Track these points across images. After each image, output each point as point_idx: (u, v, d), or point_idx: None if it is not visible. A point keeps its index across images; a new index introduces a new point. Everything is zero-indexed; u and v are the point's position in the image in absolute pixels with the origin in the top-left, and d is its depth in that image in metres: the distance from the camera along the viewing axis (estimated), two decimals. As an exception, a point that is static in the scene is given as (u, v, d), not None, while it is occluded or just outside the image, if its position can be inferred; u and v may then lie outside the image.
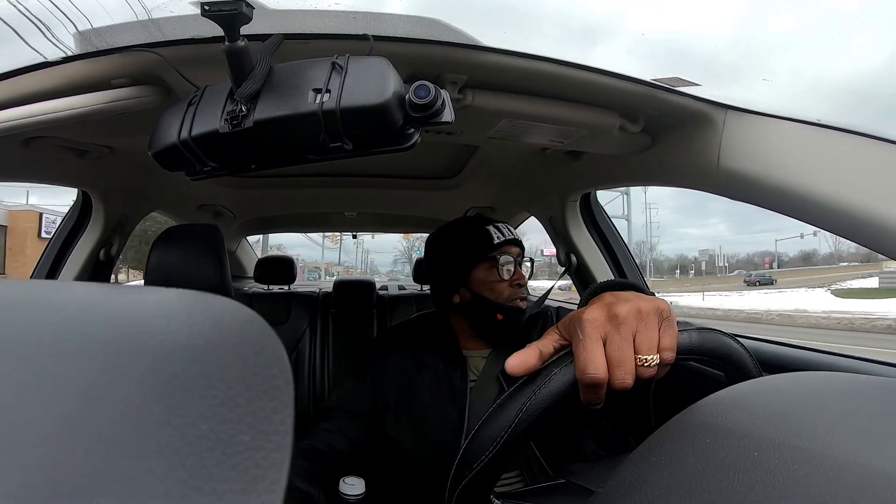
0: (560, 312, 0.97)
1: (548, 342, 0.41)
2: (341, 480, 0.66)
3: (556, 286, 1.25)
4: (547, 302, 1.06)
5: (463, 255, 0.92)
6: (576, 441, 0.81)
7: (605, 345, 0.37)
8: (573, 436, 0.81)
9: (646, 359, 0.37)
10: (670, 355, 0.38)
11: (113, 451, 0.12)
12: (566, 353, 0.40)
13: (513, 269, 0.90)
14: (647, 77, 0.68)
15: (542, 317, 0.96)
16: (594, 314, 0.39)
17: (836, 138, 0.59)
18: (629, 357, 0.37)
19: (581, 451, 0.81)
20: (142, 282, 1.26)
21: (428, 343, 0.93)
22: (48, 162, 0.92)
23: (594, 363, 0.36)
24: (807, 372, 0.32)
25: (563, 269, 1.37)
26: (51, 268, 1.21)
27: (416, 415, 0.85)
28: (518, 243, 0.93)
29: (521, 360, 0.39)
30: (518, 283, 0.91)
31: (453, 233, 0.96)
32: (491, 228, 0.92)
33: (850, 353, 0.83)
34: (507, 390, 0.40)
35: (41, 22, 0.59)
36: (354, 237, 3.27)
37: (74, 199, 1.25)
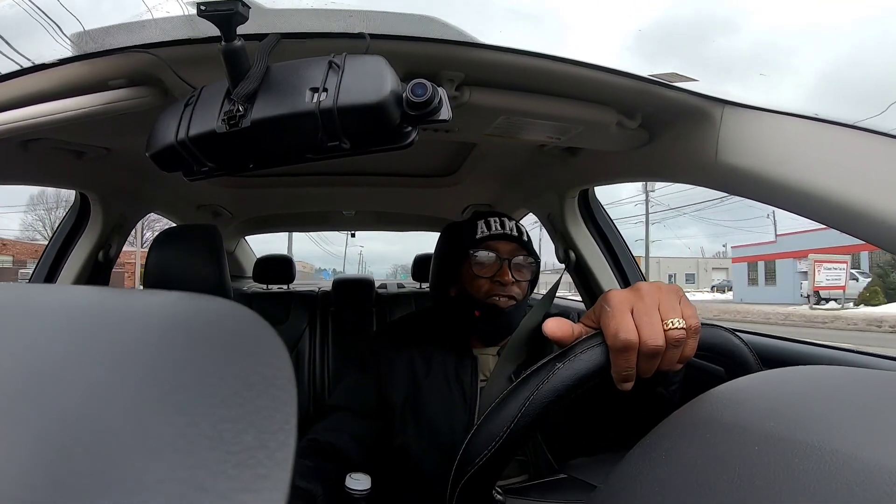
0: (581, 316, 0.95)
1: (580, 325, 0.44)
2: (348, 476, 0.66)
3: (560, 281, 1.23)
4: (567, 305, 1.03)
5: (453, 248, 0.92)
6: (583, 436, 0.81)
7: (632, 314, 0.40)
8: (581, 431, 0.81)
9: (672, 321, 0.39)
10: (696, 322, 0.40)
11: (114, 451, 0.12)
12: (567, 350, 0.40)
13: (497, 266, 0.85)
14: (645, 73, 0.68)
15: (564, 317, 0.94)
16: (618, 293, 0.42)
17: (834, 132, 0.59)
18: (657, 320, 0.39)
19: (588, 446, 0.81)
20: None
21: (437, 340, 0.91)
22: (46, 164, 0.92)
23: (624, 327, 0.39)
24: (806, 366, 0.33)
25: (563, 265, 1.37)
26: (50, 269, 1.21)
27: (424, 417, 0.83)
28: (512, 238, 0.88)
29: (558, 326, 0.42)
30: (499, 280, 0.85)
31: (455, 227, 0.95)
32: (481, 223, 0.89)
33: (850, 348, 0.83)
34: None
35: (37, 24, 0.58)
36: (353, 235, 3.28)
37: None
